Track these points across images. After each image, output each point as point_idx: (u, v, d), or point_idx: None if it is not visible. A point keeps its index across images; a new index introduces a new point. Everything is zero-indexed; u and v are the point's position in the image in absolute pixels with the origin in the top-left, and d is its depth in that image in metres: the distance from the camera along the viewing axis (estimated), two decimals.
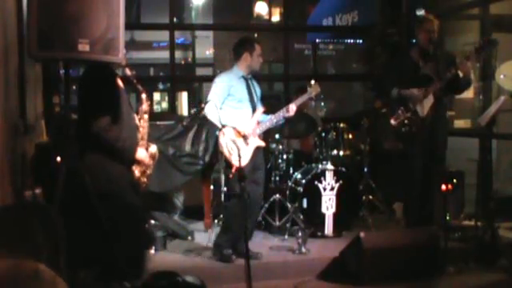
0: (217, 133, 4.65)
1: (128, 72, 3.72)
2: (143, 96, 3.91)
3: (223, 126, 4.50)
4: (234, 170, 4.60)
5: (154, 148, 3.95)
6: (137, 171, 3.79)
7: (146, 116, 3.89)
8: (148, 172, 3.87)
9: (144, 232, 4.13)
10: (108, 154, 3.56)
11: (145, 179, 3.84)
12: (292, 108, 4.86)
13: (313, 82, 5.08)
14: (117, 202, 3.57)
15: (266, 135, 6.05)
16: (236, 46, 4.92)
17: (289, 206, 5.46)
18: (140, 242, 3.91)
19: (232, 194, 4.74)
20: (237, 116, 4.69)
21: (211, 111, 4.52)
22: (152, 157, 3.92)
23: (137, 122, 3.84)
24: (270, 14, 17.95)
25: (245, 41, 4.93)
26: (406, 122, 4.99)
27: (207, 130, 5.29)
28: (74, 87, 3.80)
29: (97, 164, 3.54)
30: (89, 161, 3.51)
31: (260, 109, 4.84)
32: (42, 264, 1.62)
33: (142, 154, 3.78)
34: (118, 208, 3.56)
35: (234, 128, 4.65)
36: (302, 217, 5.30)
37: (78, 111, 3.61)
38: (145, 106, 3.91)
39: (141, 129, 3.87)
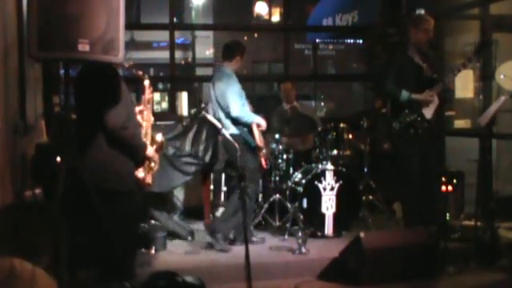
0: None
1: (126, 64, 3.70)
2: (146, 83, 3.85)
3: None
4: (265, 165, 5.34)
5: (159, 136, 3.89)
6: (141, 170, 3.72)
7: (149, 105, 3.83)
8: (154, 168, 3.81)
9: (139, 232, 4.10)
10: (120, 151, 3.53)
11: (150, 178, 3.78)
12: None
13: None
14: (126, 200, 3.56)
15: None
16: (230, 47, 5.12)
17: (289, 206, 5.46)
18: (137, 241, 3.90)
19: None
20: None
21: (243, 112, 4.91)
22: (159, 147, 3.87)
23: (139, 119, 3.79)
24: (270, 14, 17.96)
25: (239, 44, 5.18)
26: (412, 124, 4.95)
27: (207, 129, 5.30)
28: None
29: (107, 162, 3.51)
30: (97, 158, 3.48)
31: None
32: (17, 260, 1.57)
33: (150, 150, 3.75)
34: (126, 206, 3.55)
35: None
36: (302, 217, 5.29)
37: (81, 109, 3.58)
38: (147, 94, 3.84)
39: (144, 123, 3.80)
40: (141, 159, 3.69)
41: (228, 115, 4.95)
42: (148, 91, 3.86)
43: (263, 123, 5.05)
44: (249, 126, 5.01)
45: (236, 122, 4.96)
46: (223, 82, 4.98)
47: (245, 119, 4.95)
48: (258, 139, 5.02)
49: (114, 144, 3.49)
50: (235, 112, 4.89)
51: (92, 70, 3.58)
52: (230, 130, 4.93)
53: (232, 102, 4.89)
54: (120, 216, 3.50)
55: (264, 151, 5.21)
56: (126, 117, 3.49)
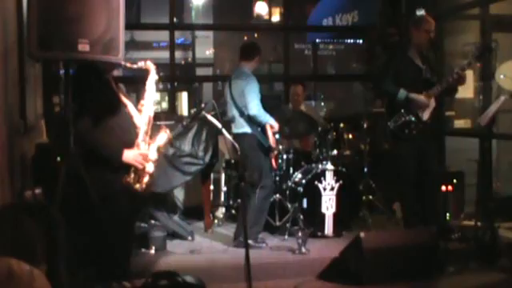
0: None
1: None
2: (153, 71, 3.78)
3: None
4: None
5: (164, 136, 3.78)
6: (128, 176, 3.61)
7: (150, 96, 3.72)
8: (145, 170, 3.69)
9: (130, 235, 4.04)
10: (94, 158, 3.50)
11: (143, 183, 3.67)
12: None
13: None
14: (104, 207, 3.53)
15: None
16: (249, 48, 5.18)
17: (289, 206, 5.46)
18: (126, 242, 3.86)
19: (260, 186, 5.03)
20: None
21: (261, 111, 4.93)
22: (165, 144, 3.81)
23: (135, 120, 3.74)
24: (270, 14, 17.94)
25: (257, 45, 5.27)
26: (407, 124, 4.95)
27: (207, 129, 5.30)
28: None
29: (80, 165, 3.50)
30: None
31: None
32: (14, 260, 1.55)
33: (128, 156, 3.58)
34: (103, 210, 3.53)
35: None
36: (302, 217, 5.29)
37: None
38: (151, 76, 3.73)
39: (145, 118, 3.69)
40: (117, 166, 3.58)
41: (242, 114, 4.96)
42: (150, 76, 3.76)
43: (276, 125, 5.07)
44: (262, 127, 5.04)
45: (250, 120, 4.96)
46: (243, 79, 4.99)
47: (260, 118, 4.97)
48: (272, 140, 5.06)
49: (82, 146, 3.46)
50: (253, 110, 4.90)
51: (80, 70, 3.57)
52: (243, 129, 4.96)
53: (251, 101, 4.90)
54: (100, 219, 3.49)
55: (275, 152, 5.30)
56: (92, 123, 3.46)
